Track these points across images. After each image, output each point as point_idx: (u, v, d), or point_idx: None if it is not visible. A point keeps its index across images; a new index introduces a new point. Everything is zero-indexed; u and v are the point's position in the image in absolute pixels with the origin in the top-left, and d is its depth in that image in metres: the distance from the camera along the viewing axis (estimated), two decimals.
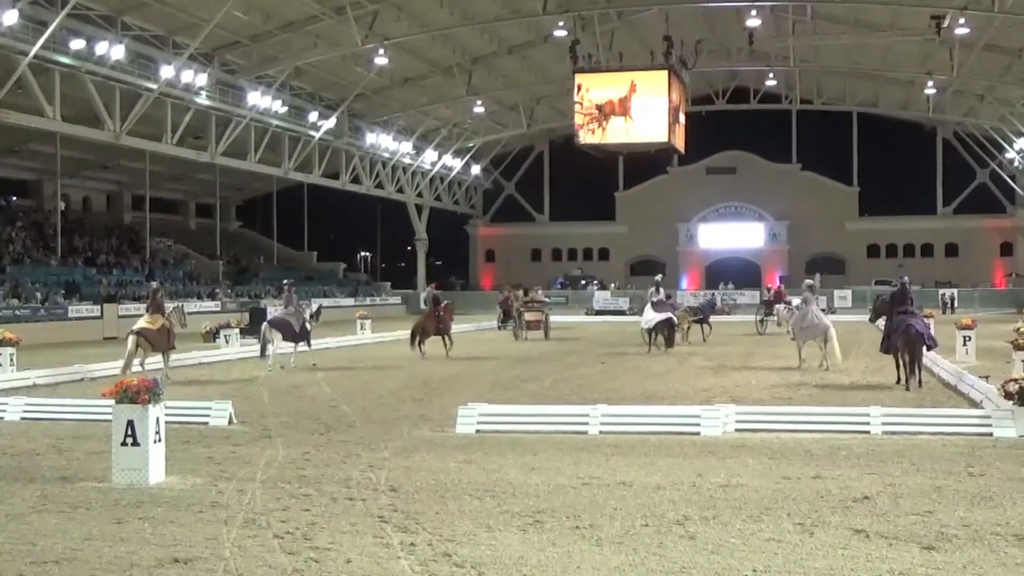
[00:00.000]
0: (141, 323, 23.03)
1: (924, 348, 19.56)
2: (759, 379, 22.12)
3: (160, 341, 22.77)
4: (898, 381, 19.82)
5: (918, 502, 9.94)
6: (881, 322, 22.22)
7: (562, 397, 18.95)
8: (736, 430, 14.42)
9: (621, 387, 20.85)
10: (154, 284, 25.29)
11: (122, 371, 21.87)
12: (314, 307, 30.09)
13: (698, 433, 14.19)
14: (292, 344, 26.06)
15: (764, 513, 9.56)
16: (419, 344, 29.26)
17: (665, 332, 30.18)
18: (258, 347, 26.78)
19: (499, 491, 10.64)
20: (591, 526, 9.13)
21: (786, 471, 11.58)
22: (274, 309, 35.35)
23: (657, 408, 16.03)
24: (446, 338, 29.46)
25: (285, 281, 29.31)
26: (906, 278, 21.17)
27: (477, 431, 14.70)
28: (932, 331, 20.88)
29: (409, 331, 30.84)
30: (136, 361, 22.59)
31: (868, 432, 14.05)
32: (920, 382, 19.53)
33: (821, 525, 9.08)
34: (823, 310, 29.27)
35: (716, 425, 14.33)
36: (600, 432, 14.39)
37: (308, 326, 26.51)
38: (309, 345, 26.61)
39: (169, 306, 24.55)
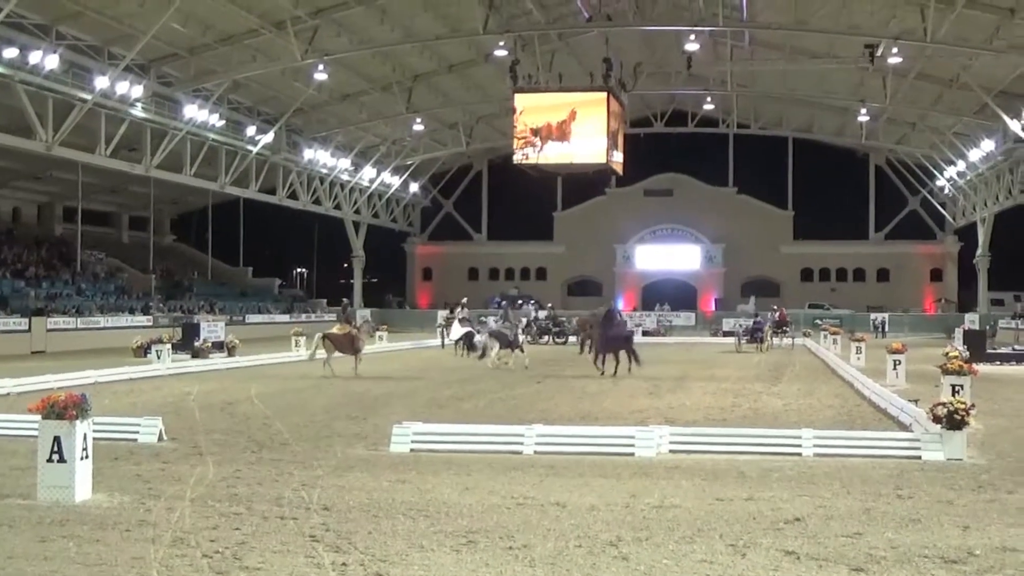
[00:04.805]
0: (333, 329, 30.67)
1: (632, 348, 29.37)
2: (693, 400, 22.28)
3: (344, 344, 29.05)
4: (612, 373, 28.43)
5: (848, 524, 10.05)
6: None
7: (498, 416, 18.87)
8: (670, 451, 14.46)
9: (556, 407, 20.86)
10: (345, 300, 36.14)
11: (308, 358, 30.59)
12: (525, 321, 38.02)
13: (632, 454, 14.24)
14: (510, 349, 32.34)
15: (697, 534, 9.61)
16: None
17: (465, 342, 37.19)
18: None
19: (432, 511, 10.58)
20: (524, 546, 9.11)
21: (719, 492, 11.65)
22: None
23: (592, 429, 16.03)
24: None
25: (503, 302, 45.30)
26: (614, 304, 37.47)
27: (411, 450, 14.61)
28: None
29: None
30: (320, 355, 29.27)
31: (800, 454, 14.20)
32: (630, 368, 28.59)
33: (753, 546, 9.14)
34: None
35: (650, 446, 14.38)
36: (535, 452, 14.37)
37: (520, 336, 33.40)
38: (523, 351, 32.70)
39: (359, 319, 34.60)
